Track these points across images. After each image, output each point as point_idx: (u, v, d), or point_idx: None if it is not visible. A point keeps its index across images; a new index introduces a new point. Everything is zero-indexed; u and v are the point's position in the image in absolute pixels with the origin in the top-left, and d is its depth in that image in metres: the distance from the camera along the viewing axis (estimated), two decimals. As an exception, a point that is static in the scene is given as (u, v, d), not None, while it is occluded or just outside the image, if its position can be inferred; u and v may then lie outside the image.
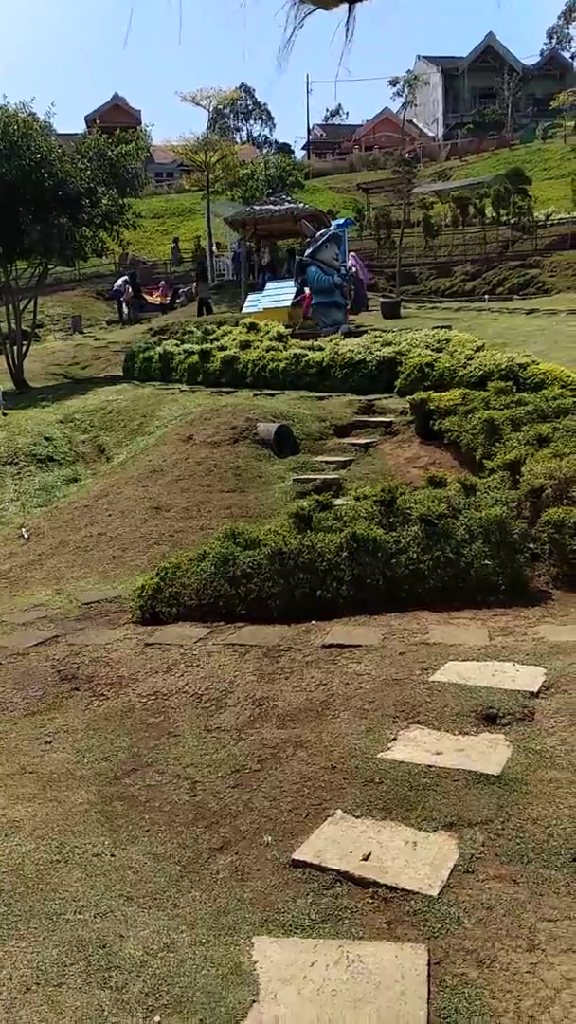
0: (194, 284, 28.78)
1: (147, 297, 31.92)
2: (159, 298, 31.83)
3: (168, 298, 31.79)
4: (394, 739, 3.93)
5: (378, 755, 3.79)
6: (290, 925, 2.76)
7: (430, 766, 3.62)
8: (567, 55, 74.44)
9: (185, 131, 47.05)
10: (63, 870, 3.19)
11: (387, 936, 2.67)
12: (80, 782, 3.92)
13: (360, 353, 13.75)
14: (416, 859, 3.03)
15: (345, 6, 1.94)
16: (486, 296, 27.81)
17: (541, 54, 72.83)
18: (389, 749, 3.84)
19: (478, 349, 12.90)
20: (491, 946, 2.59)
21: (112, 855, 3.28)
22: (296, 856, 3.12)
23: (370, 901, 2.86)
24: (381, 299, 25.78)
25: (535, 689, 4.22)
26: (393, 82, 61.07)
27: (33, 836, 3.44)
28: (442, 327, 16.31)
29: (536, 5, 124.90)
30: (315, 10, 1.96)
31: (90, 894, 3.01)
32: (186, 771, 3.91)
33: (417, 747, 3.82)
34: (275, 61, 2.11)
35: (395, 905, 2.82)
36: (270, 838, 3.29)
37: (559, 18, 77.78)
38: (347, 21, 1.96)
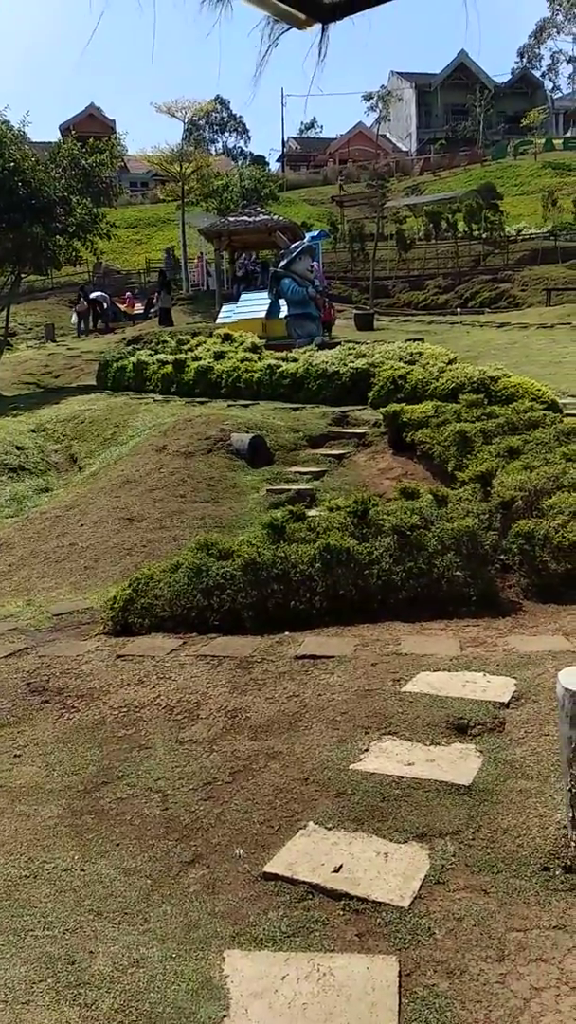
0: (155, 294, 28.77)
1: (121, 307, 31.84)
2: (127, 308, 31.75)
3: (138, 308, 31.73)
4: (366, 750, 3.94)
5: (350, 766, 3.79)
6: (261, 938, 2.75)
7: (401, 777, 3.63)
8: (537, 74, 75.92)
9: (160, 142, 47.05)
10: (31, 886, 3.15)
11: (358, 948, 2.67)
12: (50, 796, 3.88)
13: (334, 365, 13.82)
14: (387, 870, 3.04)
15: (318, 26, 1.96)
16: (458, 309, 28.15)
17: (512, 72, 74.13)
18: (361, 760, 3.84)
19: (450, 362, 13.03)
20: (461, 957, 2.60)
21: (82, 870, 3.24)
22: (267, 869, 3.12)
23: (341, 913, 2.85)
24: (355, 311, 26.01)
25: (505, 699, 4.26)
26: (367, 97, 61.93)
27: (1, 851, 3.40)
28: (415, 340, 16.45)
29: (507, 24, 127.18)
30: (289, 29, 1.98)
31: (59, 910, 2.98)
32: (157, 784, 3.88)
33: (389, 758, 3.83)
34: (250, 78, 2.13)
35: (366, 917, 2.82)
36: (242, 851, 3.28)
37: (530, 37, 79.41)
38: (320, 41, 1.99)
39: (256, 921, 2.85)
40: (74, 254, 21.23)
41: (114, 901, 3.03)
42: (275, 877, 3.07)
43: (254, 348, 16.07)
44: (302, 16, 1.91)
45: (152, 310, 30.91)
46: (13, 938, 2.81)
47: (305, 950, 2.68)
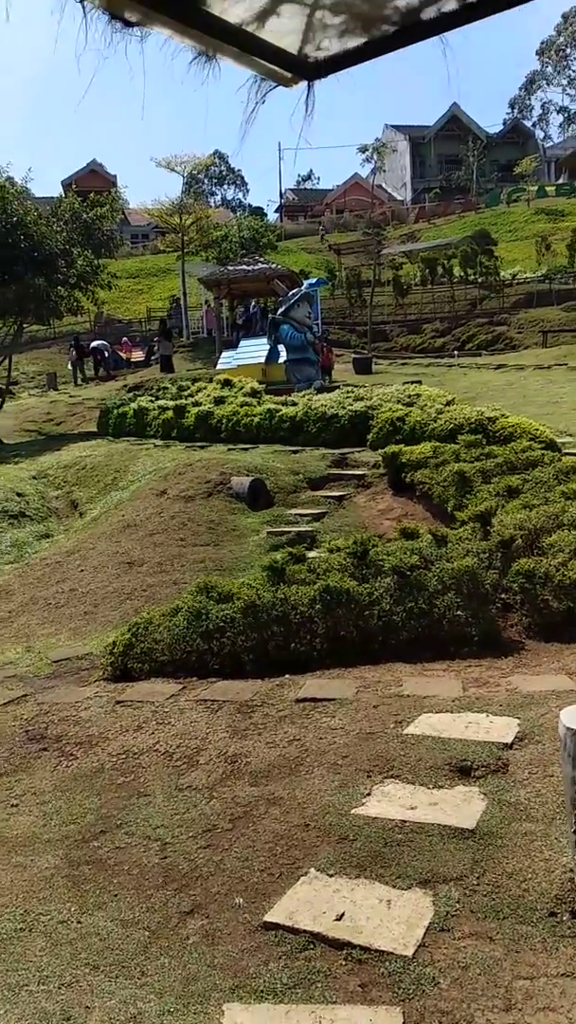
0: (156, 341, 29.15)
1: (123, 355, 32.25)
2: (127, 354, 32.12)
3: (138, 355, 32.12)
4: (368, 794, 3.88)
5: (352, 811, 3.74)
6: (261, 991, 2.69)
7: (404, 821, 3.58)
8: (528, 124, 77.96)
9: (162, 194, 48.29)
10: (27, 939, 3.08)
11: (361, 1000, 2.61)
12: (47, 846, 3.82)
13: (333, 408, 13.95)
14: (390, 918, 2.97)
15: (304, 83, 2.03)
16: (455, 352, 28.49)
17: (504, 123, 76.15)
18: (363, 805, 3.79)
19: (448, 403, 13.16)
20: (467, 1007, 2.53)
21: (78, 922, 3.18)
22: (268, 918, 3.05)
23: (344, 963, 2.79)
24: (353, 356, 26.34)
25: (508, 740, 4.21)
26: (362, 149, 63.34)
27: (-3, 903, 3.33)
28: (413, 382, 16.64)
29: (498, 77, 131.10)
30: (276, 87, 2.05)
31: (55, 963, 2.91)
32: (156, 832, 3.82)
33: (391, 802, 3.78)
34: (238, 135, 2.20)
35: (369, 967, 2.76)
36: (242, 900, 3.22)
37: (520, 89, 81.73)
38: (307, 97, 2.05)
39: (256, 972, 2.78)
40: (75, 304, 21.58)
41: (111, 954, 2.97)
42: (276, 926, 3.01)
43: (254, 393, 16.25)
44: (288, 75, 1.99)
45: (153, 357, 31.30)
46: (7, 993, 2.74)
47: (307, 1002, 2.61)
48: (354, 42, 1.90)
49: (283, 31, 1.84)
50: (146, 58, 1.80)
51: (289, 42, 1.88)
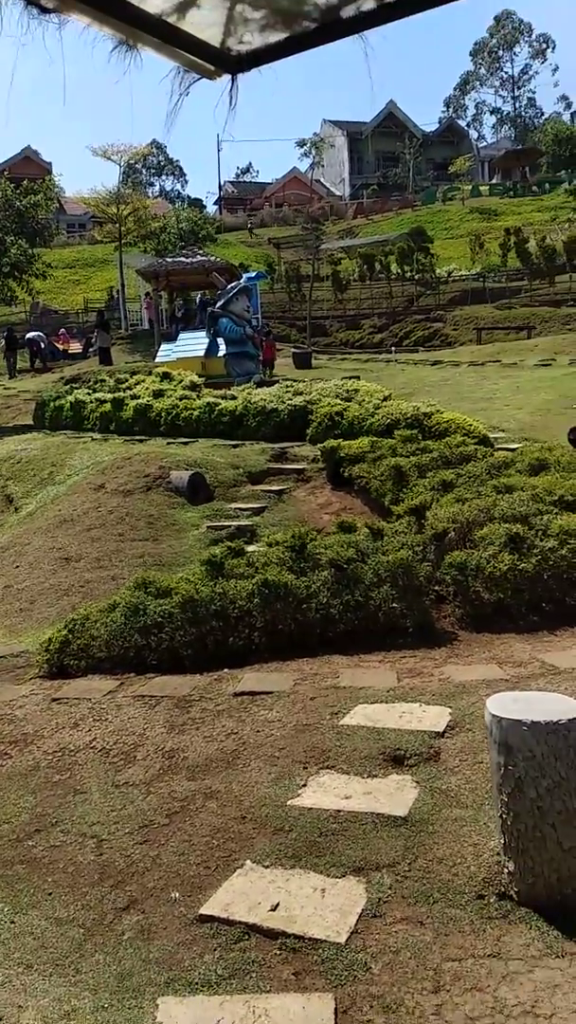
0: (94, 333, 28.68)
1: (60, 346, 31.63)
2: (63, 346, 31.51)
3: (75, 347, 31.56)
4: (304, 785, 3.92)
5: (288, 802, 3.77)
6: (196, 983, 2.70)
7: (339, 811, 3.63)
8: (463, 124, 79.22)
9: (98, 184, 47.34)
10: (-43, 942, 3.03)
11: (294, 988, 2.64)
12: (-21, 847, 3.75)
13: (272, 402, 13.96)
14: (324, 906, 3.01)
15: (228, 76, 2.03)
16: (392, 348, 28.79)
17: (439, 122, 77.21)
18: (299, 796, 3.82)
19: (385, 399, 13.31)
20: (397, 990, 2.59)
21: (12, 922, 3.14)
22: (203, 911, 3.06)
23: (278, 952, 2.82)
24: (293, 350, 26.37)
25: (441, 729, 4.30)
26: (300, 143, 63.49)
27: None
28: (351, 377, 16.76)
29: (433, 76, 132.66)
30: (200, 79, 2.04)
31: (-14, 965, 2.87)
32: (92, 829, 3.79)
33: (326, 792, 3.82)
34: (164, 127, 2.18)
35: (303, 955, 2.79)
36: (178, 894, 3.22)
37: (455, 89, 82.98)
38: (230, 90, 2.05)
39: (191, 965, 2.79)
40: (9, 294, 21.09)
41: (45, 953, 2.94)
42: (211, 919, 3.02)
43: (193, 386, 16.14)
44: (211, 67, 1.98)
45: (91, 349, 30.80)
46: None
47: (241, 992, 2.63)
48: (275, 37, 1.91)
49: (204, 23, 1.84)
50: (66, 46, 1.77)
51: (211, 35, 1.88)
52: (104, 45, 1.87)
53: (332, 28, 1.90)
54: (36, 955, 2.92)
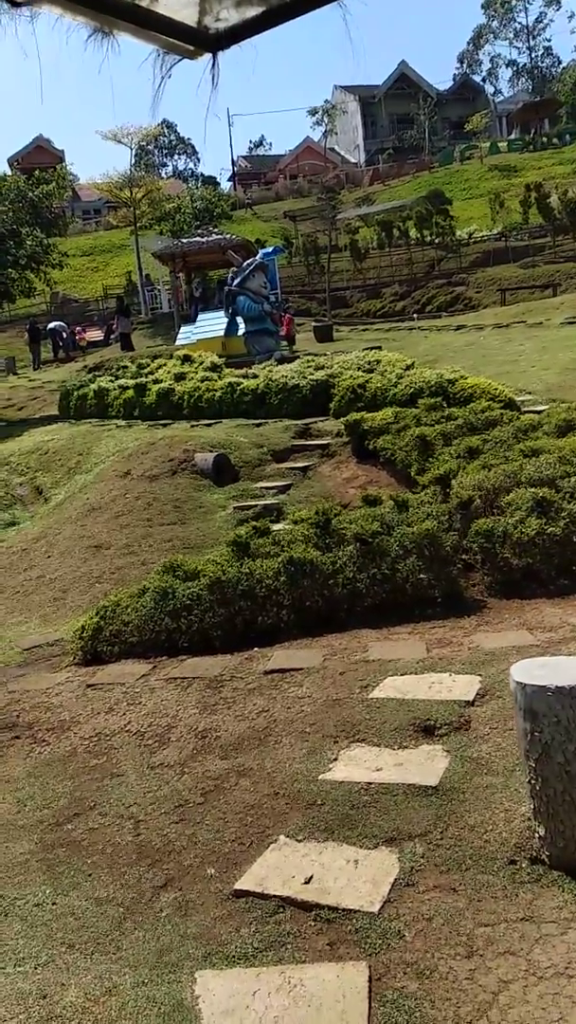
0: (114, 320, 28.75)
1: (84, 335, 31.75)
2: (79, 339, 31.55)
3: (95, 334, 31.64)
4: (335, 759, 3.96)
5: (319, 777, 3.81)
6: (233, 956, 2.76)
7: (370, 783, 3.65)
8: (478, 79, 77.35)
9: (112, 168, 47.16)
10: (3, 923, 3.12)
11: (329, 957, 2.69)
12: (21, 831, 3.85)
13: (294, 378, 13.90)
14: (357, 877, 3.05)
15: (209, 56, 2.01)
16: (415, 315, 28.46)
17: (454, 79, 75.44)
18: (330, 770, 3.86)
19: (408, 368, 13.17)
20: (431, 956, 2.62)
21: (53, 903, 3.23)
22: (239, 886, 3.12)
23: (312, 924, 2.87)
24: (314, 323, 26.19)
25: (471, 698, 4.30)
26: (312, 112, 62.61)
27: (-28, 892, 3.37)
28: (373, 348, 16.61)
29: (446, 32, 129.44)
30: (180, 60, 2.02)
31: (31, 945, 2.96)
32: (129, 811, 3.87)
33: (357, 765, 3.85)
34: (149, 110, 2.17)
35: (337, 925, 2.84)
36: (213, 870, 3.28)
37: (468, 44, 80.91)
38: (212, 68, 2.03)
39: (228, 939, 2.85)
40: (28, 286, 21.20)
41: (86, 932, 3.02)
42: (246, 894, 3.07)
43: (214, 367, 16.13)
44: (190, 47, 1.96)
45: (112, 335, 30.91)
46: (-16, 978, 2.79)
47: (276, 964, 2.68)
48: (252, 11, 1.88)
49: (179, 4, 1.82)
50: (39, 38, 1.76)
51: (187, 15, 1.86)
52: (80, 33, 1.86)
53: (308, -3, 1.86)
54: (77, 934, 3.00)
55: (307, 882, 3.06)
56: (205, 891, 3.17)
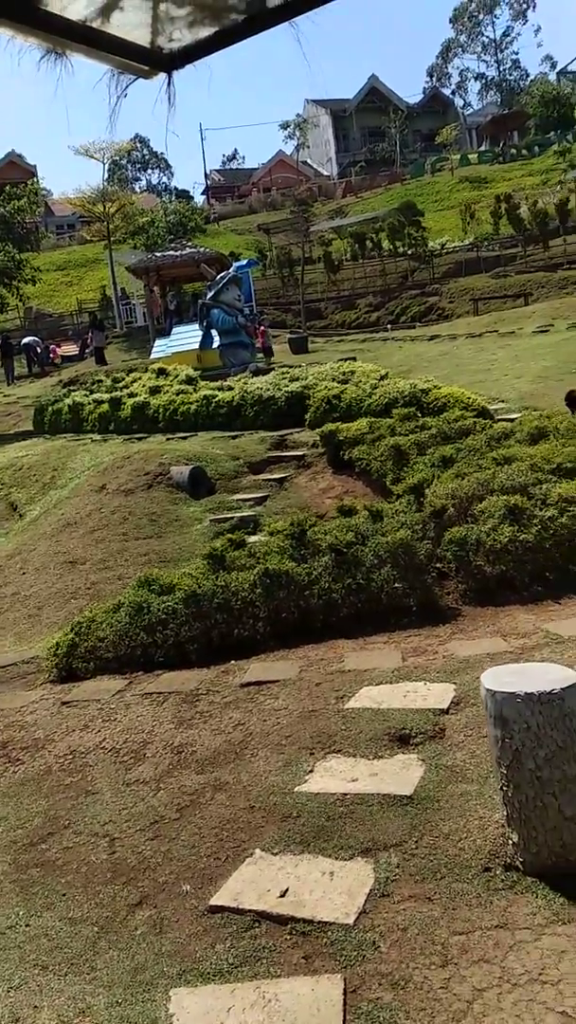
0: (88, 334, 28.69)
1: (57, 350, 31.59)
2: (53, 356, 31.36)
3: (70, 349, 31.51)
4: (311, 771, 3.95)
5: (295, 789, 3.80)
6: (208, 973, 2.74)
7: (345, 794, 3.66)
8: (447, 92, 78.28)
9: (87, 182, 47.21)
10: (-25, 947, 3.08)
11: (304, 971, 2.68)
12: (-5, 853, 3.81)
13: (269, 390, 13.93)
14: (333, 889, 3.05)
15: (164, 75, 2.03)
16: (389, 326, 28.65)
17: (424, 92, 76.29)
18: (306, 782, 3.86)
19: (382, 378, 13.25)
20: (406, 967, 2.62)
21: (27, 924, 3.19)
22: (214, 902, 3.10)
23: (288, 937, 2.86)
24: (289, 335, 26.29)
25: (445, 706, 4.32)
26: (284, 126, 63.02)
27: (-55, 916, 3.32)
28: (347, 359, 16.70)
29: (415, 46, 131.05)
30: (136, 80, 2.04)
31: (3, 968, 2.92)
32: (104, 828, 3.84)
33: (333, 776, 3.85)
34: (106, 130, 2.17)
35: (312, 938, 2.83)
36: (188, 887, 3.26)
37: (437, 57, 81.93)
38: (167, 88, 2.05)
39: (203, 956, 2.83)
40: (0, 301, 21.09)
41: (60, 953, 2.99)
42: (222, 909, 3.06)
43: (189, 380, 16.12)
44: (145, 67, 1.98)
45: (88, 350, 30.79)
46: (-44, 1004, 2.75)
47: (251, 979, 2.67)
48: (205, 32, 1.90)
49: (131, 25, 1.83)
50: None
51: (139, 35, 1.88)
52: (32, 54, 1.87)
53: (261, 18, 1.89)
54: (51, 956, 2.97)
55: (282, 895, 3.06)
56: (180, 908, 3.15)
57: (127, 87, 2.06)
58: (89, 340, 28.44)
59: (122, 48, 1.87)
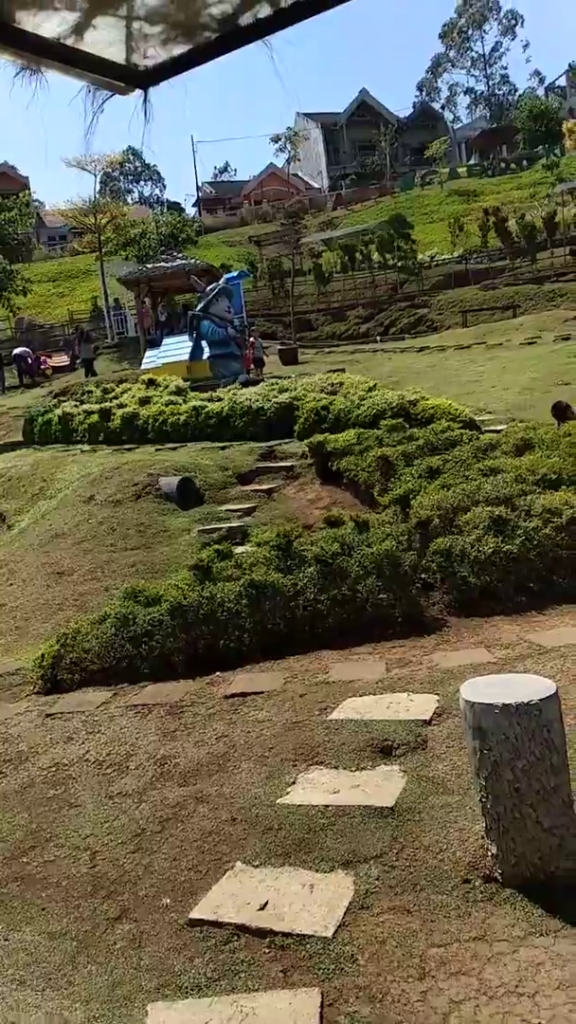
0: (76, 345, 28.72)
1: (48, 361, 31.56)
2: (44, 367, 31.34)
3: (60, 360, 31.49)
4: (293, 783, 3.95)
5: (277, 801, 3.80)
6: (186, 987, 2.73)
7: (327, 806, 3.65)
8: (437, 106, 78.96)
9: (78, 194, 47.36)
10: (-47, 963, 3.06)
11: (282, 984, 2.67)
12: (-25, 867, 3.78)
13: (258, 401, 13.97)
14: (312, 902, 3.04)
15: (139, 91, 2.05)
16: (378, 337, 28.77)
17: (413, 106, 76.93)
18: (288, 794, 3.85)
19: (371, 389, 13.31)
20: (383, 979, 2.61)
21: (5, 939, 3.17)
22: (193, 915, 3.09)
23: (267, 951, 2.85)
24: (279, 347, 26.37)
25: (428, 717, 4.33)
26: (275, 139, 63.37)
27: None
28: (337, 370, 16.77)
29: (405, 61, 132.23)
30: (112, 96, 2.06)
31: (-20, 984, 2.90)
32: (85, 842, 3.82)
33: (315, 788, 3.85)
34: (82, 145, 2.19)
35: (291, 951, 2.82)
36: (169, 900, 3.25)
37: (427, 72, 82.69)
38: (143, 104, 2.07)
39: (181, 970, 2.82)
40: (-9, 312, 21.09)
41: (38, 968, 2.97)
42: (201, 922, 3.05)
43: (179, 391, 16.15)
44: (120, 84, 2.00)
45: (78, 360, 30.77)
46: None
47: (229, 993, 2.66)
48: (179, 49, 1.93)
49: (105, 42, 1.85)
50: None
51: (114, 52, 1.90)
52: (7, 70, 1.89)
53: (233, 36, 1.91)
54: (29, 970, 2.95)
55: (262, 908, 3.05)
56: (160, 921, 3.13)
57: (103, 103, 2.07)
58: (77, 351, 28.43)
59: (97, 65, 1.89)
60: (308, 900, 3.05)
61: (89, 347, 27.00)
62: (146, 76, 1.99)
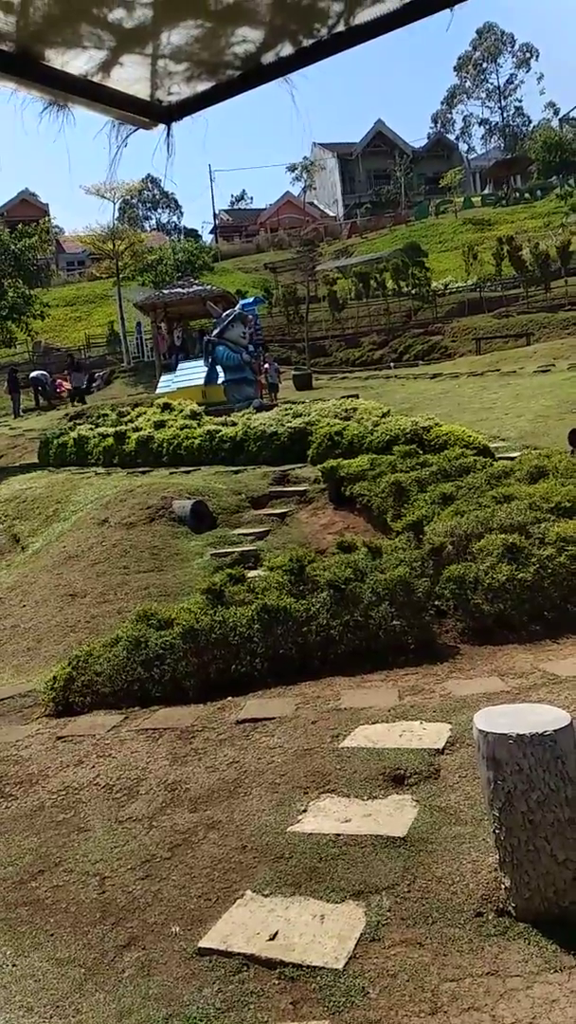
0: (68, 374, 28.98)
1: (64, 384, 31.87)
2: (60, 390, 31.65)
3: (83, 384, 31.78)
4: (304, 811, 3.92)
5: (288, 829, 3.77)
6: (195, 1017, 2.69)
7: (338, 835, 3.62)
8: (452, 137, 79.88)
9: (97, 221, 48.07)
10: (-40, 988, 3.04)
11: (292, 1017, 2.63)
12: (-16, 891, 3.76)
13: (272, 426, 14.04)
14: (323, 933, 3.01)
15: (163, 126, 2.10)
16: (392, 364, 28.90)
17: (428, 137, 77.83)
18: (299, 822, 3.82)
19: (384, 415, 13.35)
20: (394, 1014, 2.58)
21: (13, 965, 3.14)
22: (203, 944, 3.06)
23: (276, 982, 2.81)
24: (294, 372, 26.53)
25: (440, 746, 4.29)
26: (292, 168, 64.28)
27: None
28: (351, 396, 16.84)
29: (421, 92, 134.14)
30: (136, 130, 2.11)
31: (-13, 1010, 2.88)
32: (95, 867, 3.80)
33: (327, 817, 3.82)
34: (106, 177, 2.24)
35: (301, 983, 2.78)
36: (178, 928, 3.22)
37: (442, 104, 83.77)
38: (167, 138, 2.12)
39: (190, 1000, 2.79)
40: (8, 336, 21.38)
41: (45, 995, 2.94)
42: (210, 952, 3.02)
43: (194, 415, 16.26)
44: (145, 119, 2.05)
45: (95, 384, 31.06)
46: None
47: (238, 1025, 2.63)
48: (203, 86, 1.98)
49: (130, 79, 1.90)
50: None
51: (139, 89, 1.95)
52: (35, 106, 1.94)
53: (255, 74, 1.96)
54: (37, 997, 2.92)
55: (272, 938, 3.01)
56: (169, 950, 3.10)
57: (128, 136, 2.12)
58: (69, 379, 28.64)
59: (122, 101, 1.94)
60: (319, 931, 3.02)
61: (81, 376, 27.18)
62: (170, 112, 2.04)
